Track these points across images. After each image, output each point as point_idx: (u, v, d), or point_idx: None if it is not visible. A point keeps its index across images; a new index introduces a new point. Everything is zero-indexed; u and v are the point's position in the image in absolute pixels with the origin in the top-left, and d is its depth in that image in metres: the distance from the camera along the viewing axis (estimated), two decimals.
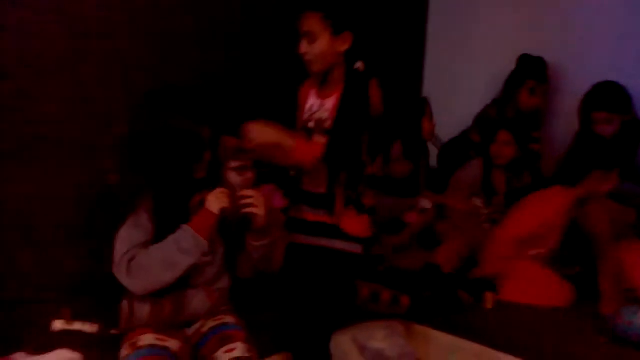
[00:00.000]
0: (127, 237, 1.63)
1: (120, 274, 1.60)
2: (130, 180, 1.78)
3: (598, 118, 2.55)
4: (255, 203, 1.69)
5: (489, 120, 2.83)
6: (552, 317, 2.19)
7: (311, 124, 1.97)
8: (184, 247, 1.60)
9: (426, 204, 2.58)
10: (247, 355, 1.62)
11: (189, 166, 1.70)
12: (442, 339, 2.11)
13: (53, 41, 1.96)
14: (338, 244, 1.92)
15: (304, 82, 2.04)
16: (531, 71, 2.81)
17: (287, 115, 2.03)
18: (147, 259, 1.60)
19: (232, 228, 1.75)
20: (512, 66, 2.85)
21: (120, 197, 1.75)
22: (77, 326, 1.76)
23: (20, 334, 1.71)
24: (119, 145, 1.98)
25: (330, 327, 1.89)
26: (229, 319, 1.73)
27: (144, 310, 1.65)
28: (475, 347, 2.05)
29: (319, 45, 1.86)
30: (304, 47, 1.88)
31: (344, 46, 1.88)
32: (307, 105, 2.00)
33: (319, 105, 1.97)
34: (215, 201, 1.65)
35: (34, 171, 1.94)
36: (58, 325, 1.76)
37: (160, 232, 1.64)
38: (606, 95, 2.55)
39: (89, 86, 2.06)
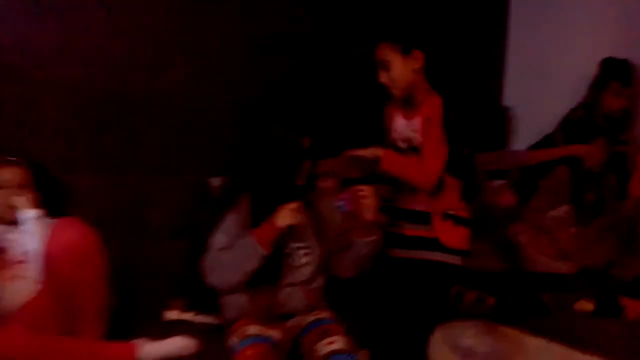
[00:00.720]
0: (213, 240, 1.77)
1: (203, 270, 1.76)
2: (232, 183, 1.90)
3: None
4: (368, 197, 1.79)
5: (575, 123, 2.82)
6: None
7: (402, 144, 2.07)
8: (245, 254, 1.72)
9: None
10: (347, 348, 1.71)
11: (288, 173, 1.80)
12: (529, 341, 2.12)
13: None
14: (437, 256, 2.01)
15: (388, 103, 2.13)
16: (615, 73, 2.77)
17: (376, 133, 2.14)
18: (222, 261, 1.74)
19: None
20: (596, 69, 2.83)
21: (223, 198, 1.87)
22: (189, 316, 1.92)
23: (136, 322, 1.88)
24: (224, 149, 2.14)
25: (428, 333, 1.97)
26: (325, 315, 1.84)
27: (242, 303, 1.78)
28: (564, 350, 2.06)
29: (394, 70, 1.98)
30: (383, 76, 2.00)
31: (417, 64, 1.97)
32: (394, 125, 2.10)
33: (405, 125, 2.06)
34: (285, 216, 1.73)
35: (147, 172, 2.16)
36: (172, 315, 1.93)
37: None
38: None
39: (196, 91, 2.27)
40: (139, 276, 2.06)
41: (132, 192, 2.14)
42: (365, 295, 1.99)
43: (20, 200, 1.81)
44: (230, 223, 1.78)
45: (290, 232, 1.78)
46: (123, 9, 2.16)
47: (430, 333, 1.96)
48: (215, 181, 2.11)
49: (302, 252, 1.83)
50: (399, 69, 1.97)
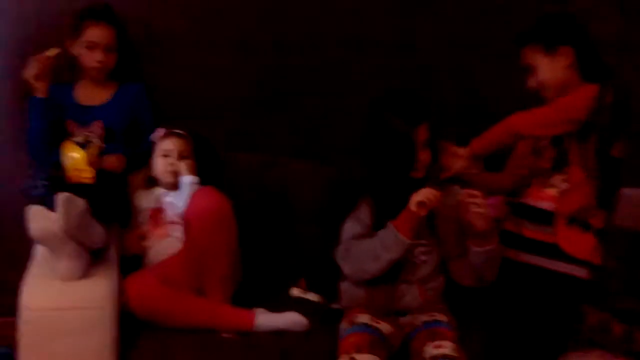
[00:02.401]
0: (347, 229, 1.81)
1: (338, 258, 1.80)
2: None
3: None
4: (480, 205, 1.69)
5: None
6: None
7: None
8: (386, 243, 1.71)
9: None
10: (455, 355, 1.65)
11: (403, 167, 1.76)
12: None
13: None
14: (560, 267, 1.82)
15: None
16: None
17: None
18: (358, 251, 1.75)
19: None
20: None
21: (358, 186, 1.90)
22: (309, 296, 2.00)
23: (261, 294, 1.99)
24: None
25: (551, 354, 1.81)
26: (442, 317, 1.78)
27: (359, 293, 1.81)
28: None
29: (541, 73, 1.84)
30: (531, 81, 1.88)
31: (567, 61, 1.81)
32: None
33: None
34: (415, 196, 1.69)
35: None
36: (294, 292, 2.02)
37: (377, 227, 1.77)
38: None
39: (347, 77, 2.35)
40: (275, 252, 2.19)
41: (281, 171, 2.26)
42: (485, 303, 1.89)
43: (183, 166, 2.02)
44: (363, 212, 1.81)
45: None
46: None
47: (554, 352, 1.81)
48: (354, 171, 2.16)
49: (421, 249, 1.80)
50: (546, 72, 1.83)
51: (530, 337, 1.79)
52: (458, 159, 1.86)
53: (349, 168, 2.13)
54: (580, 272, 1.82)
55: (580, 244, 1.82)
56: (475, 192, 1.70)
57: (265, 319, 1.82)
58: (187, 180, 1.98)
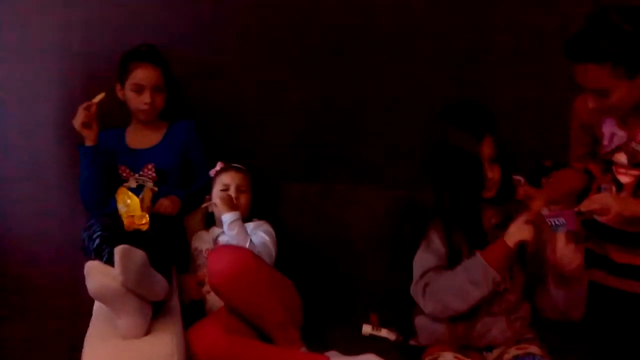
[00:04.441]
0: (421, 261, 1.67)
1: (417, 295, 1.66)
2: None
3: None
4: (567, 259, 1.50)
5: None
6: None
7: (620, 158, 1.67)
8: (473, 278, 1.56)
9: None
10: None
11: (472, 185, 1.62)
12: None
13: None
14: None
15: (578, 95, 1.69)
16: None
17: None
18: (440, 286, 1.61)
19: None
20: None
21: (427, 212, 1.76)
22: (383, 333, 1.87)
23: (331, 334, 1.88)
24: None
25: None
26: (534, 349, 1.63)
27: (439, 328, 1.66)
28: None
29: (616, 97, 1.53)
30: (592, 101, 1.57)
31: None
32: (605, 133, 1.69)
33: (626, 136, 1.64)
34: (515, 233, 1.55)
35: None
36: (366, 329, 1.89)
37: (452, 255, 1.64)
38: None
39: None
40: (341, 287, 2.07)
41: (338, 200, 2.15)
42: (577, 331, 1.72)
43: (220, 203, 1.94)
44: (435, 239, 1.67)
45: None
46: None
47: None
48: (420, 195, 2.02)
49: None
50: (624, 97, 1.53)
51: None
52: (534, 200, 1.68)
53: (412, 192, 2.00)
54: None
55: None
56: (569, 250, 1.50)
57: None
58: (228, 217, 1.91)
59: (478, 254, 1.58)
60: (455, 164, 1.63)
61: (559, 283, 1.57)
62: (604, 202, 1.53)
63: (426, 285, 1.63)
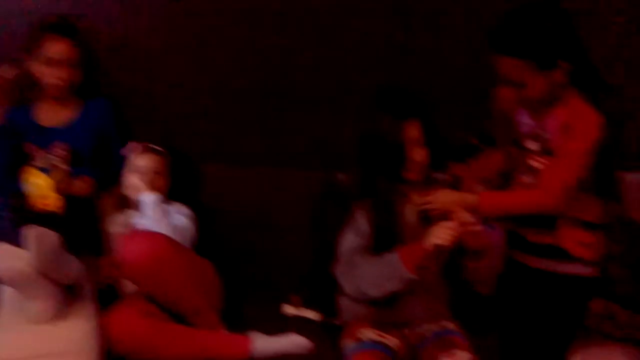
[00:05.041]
0: (344, 241, 1.68)
1: (338, 275, 1.68)
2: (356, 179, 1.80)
3: None
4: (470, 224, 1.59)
5: None
6: None
7: (532, 145, 1.74)
8: (389, 273, 1.60)
9: None
10: None
11: (393, 165, 1.65)
12: None
13: None
14: (566, 268, 1.72)
15: (498, 85, 1.72)
16: None
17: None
18: (359, 272, 1.63)
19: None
20: None
21: (350, 193, 1.78)
22: (305, 313, 1.88)
23: (253, 315, 1.87)
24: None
25: (562, 356, 1.73)
26: (451, 325, 1.70)
27: (360, 307, 1.69)
28: None
29: (530, 89, 1.59)
30: (509, 92, 1.63)
31: (561, 76, 1.59)
32: (519, 119, 1.76)
33: (535, 126, 1.72)
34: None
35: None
36: (289, 309, 1.90)
37: (377, 235, 1.66)
38: None
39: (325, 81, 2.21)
40: (262, 268, 2.07)
41: (261, 184, 2.14)
42: (492, 308, 1.80)
43: (141, 183, 1.89)
44: (360, 220, 1.69)
45: (414, 235, 1.66)
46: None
47: (566, 354, 1.73)
48: (342, 176, 2.05)
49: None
50: (537, 89, 1.59)
51: (541, 338, 1.71)
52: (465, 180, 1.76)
53: (336, 174, 2.02)
54: (586, 270, 1.74)
55: (585, 243, 1.72)
56: (465, 214, 1.59)
57: (264, 344, 1.69)
58: (151, 198, 1.85)
59: (396, 253, 1.60)
60: (377, 145, 1.66)
61: (472, 257, 1.64)
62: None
63: (348, 266, 1.65)
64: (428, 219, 1.67)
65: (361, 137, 1.70)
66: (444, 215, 1.62)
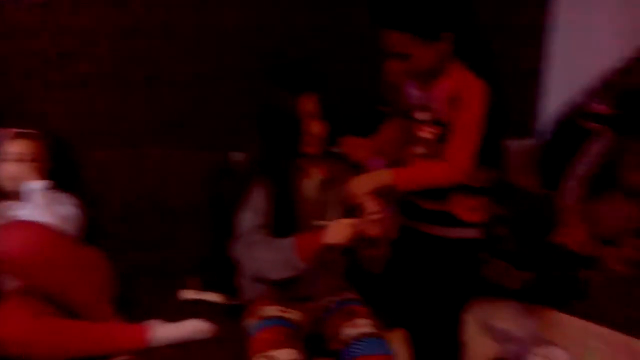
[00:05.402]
0: (245, 221, 1.65)
1: (237, 255, 1.65)
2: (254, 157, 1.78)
3: None
4: (376, 212, 1.60)
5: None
6: None
7: (421, 115, 1.78)
8: (283, 259, 1.58)
9: None
10: (374, 330, 1.61)
11: (289, 139, 1.63)
12: (572, 323, 1.98)
13: None
14: (456, 232, 1.80)
15: (388, 58, 1.71)
16: None
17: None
18: (258, 254, 1.61)
19: None
20: None
21: (247, 171, 1.75)
22: (205, 296, 1.84)
23: (150, 302, 1.80)
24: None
25: (459, 312, 1.83)
26: (350, 295, 1.73)
27: (260, 286, 1.68)
28: (605, 332, 1.92)
29: (416, 61, 1.63)
30: (396, 64, 1.65)
31: (445, 47, 1.64)
32: (407, 92, 1.80)
33: (423, 97, 1.76)
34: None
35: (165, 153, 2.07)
36: (187, 294, 1.85)
37: (277, 212, 1.65)
38: None
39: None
40: (158, 253, 1.99)
41: (151, 166, 2.05)
42: (389, 275, 1.85)
43: (27, 171, 1.77)
44: (258, 198, 1.66)
45: (313, 210, 1.67)
46: None
47: (461, 311, 1.82)
48: (237, 155, 2.02)
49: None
50: (422, 60, 1.63)
51: (438, 299, 1.78)
52: (360, 149, 1.77)
53: (230, 152, 1.99)
54: (474, 233, 1.82)
55: (472, 208, 1.80)
56: (373, 204, 1.61)
57: (163, 332, 1.63)
58: (34, 186, 1.73)
59: (291, 241, 1.58)
60: (274, 120, 1.64)
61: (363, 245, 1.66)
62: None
63: (246, 247, 1.63)
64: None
65: (258, 113, 1.67)
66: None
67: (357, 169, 1.77)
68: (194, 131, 2.18)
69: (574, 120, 2.69)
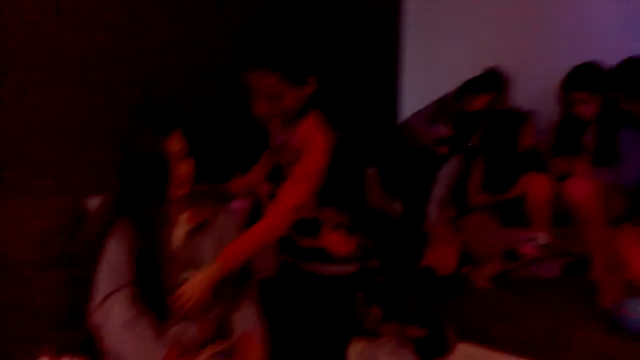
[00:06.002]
0: (102, 283, 1.51)
1: (94, 324, 1.51)
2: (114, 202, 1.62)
3: (577, 98, 2.57)
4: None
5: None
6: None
7: (284, 157, 1.77)
8: (144, 351, 1.47)
9: (545, 239, 2.51)
10: None
11: (157, 181, 1.53)
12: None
13: None
14: (330, 269, 1.80)
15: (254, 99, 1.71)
16: (492, 84, 2.88)
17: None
18: (116, 336, 1.48)
19: None
20: None
21: (104, 220, 1.59)
22: None
23: None
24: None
25: (339, 353, 1.79)
26: (223, 347, 1.63)
27: (126, 345, 1.51)
28: (470, 348, 1.99)
29: (285, 103, 1.62)
30: (263, 105, 1.62)
31: (310, 91, 1.64)
32: (274, 134, 1.79)
33: (285, 139, 1.75)
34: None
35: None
36: None
37: (139, 262, 1.52)
38: (584, 75, 2.57)
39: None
40: (6, 320, 1.74)
41: None
42: (270, 314, 1.78)
43: None
44: (112, 253, 1.52)
45: (182, 260, 1.57)
46: None
47: (343, 350, 1.79)
48: (93, 202, 1.83)
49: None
50: (289, 102, 1.62)
51: (317, 338, 1.74)
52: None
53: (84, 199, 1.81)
54: (349, 268, 1.81)
55: (345, 244, 1.81)
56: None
57: None
58: None
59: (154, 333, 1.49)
60: (138, 163, 1.52)
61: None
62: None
63: (104, 316, 1.48)
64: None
65: (121, 156, 1.55)
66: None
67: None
68: (39, 173, 1.94)
69: (425, 146, 2.87)
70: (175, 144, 1.53)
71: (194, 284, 1.56)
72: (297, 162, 1.64)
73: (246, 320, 1.62)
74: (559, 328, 2.06)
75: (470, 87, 2.89)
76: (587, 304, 2.17)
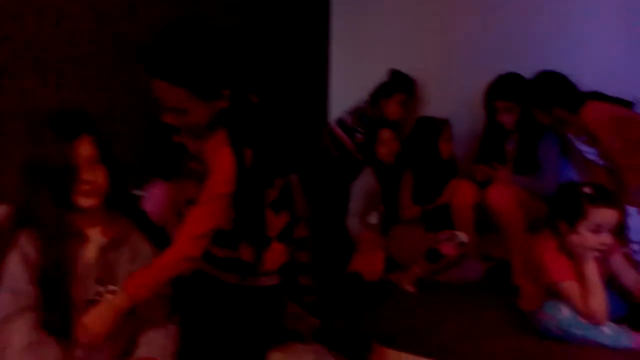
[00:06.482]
0: (3, 299, 1.41)
1: None
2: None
3: (499, 107, 2.65)
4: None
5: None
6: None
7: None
8: None
9: (464, 237, 2.52)
10: None
11: (61, 188, 1.43)
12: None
13: None
14: (260, 281, 1.72)
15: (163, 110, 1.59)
16: (402, 85, 3.00)
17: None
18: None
19: None
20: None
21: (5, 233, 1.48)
22: None
23: None
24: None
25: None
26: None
27: None
28: (392, 354, 1.97)
29: (194, 117, 1.52)
30: (173, 119, 1.52)
31: (221, 106, 1.55)
32: (187, 146, 1.68)
33: (197, 153, 1.65)
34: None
35: None
36: None
37: (42, 277, 1.42)
38: (507, 85, 2.65)
39: None
40: None
41: None
42: (188, 326, 1.69)
43: None
44: (13, 269, 1.42)
45: (92, 276, 1.48)
46: None
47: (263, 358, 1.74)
48: None
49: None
50: (200, 116, 1.52)
51: (235, 349, 1.68)
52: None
53: None
54: (269, 280, 1.75)
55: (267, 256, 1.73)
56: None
57: None
58: None
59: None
60: (40, 166, 1.43)
61: None
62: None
63: (5, 339, 1.38)
64: None
65: (24, 159, 1.45)
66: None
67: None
68: None
69: (347, 152, 2.89)
70: (83, 149, 1.44)
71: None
72: (205, 181, 1.55)
73: (152, 344, 1.53)
74: (480, 331, 2.09)
75: (382, 90, 2.97)
76: (508, 308, 2.22)
